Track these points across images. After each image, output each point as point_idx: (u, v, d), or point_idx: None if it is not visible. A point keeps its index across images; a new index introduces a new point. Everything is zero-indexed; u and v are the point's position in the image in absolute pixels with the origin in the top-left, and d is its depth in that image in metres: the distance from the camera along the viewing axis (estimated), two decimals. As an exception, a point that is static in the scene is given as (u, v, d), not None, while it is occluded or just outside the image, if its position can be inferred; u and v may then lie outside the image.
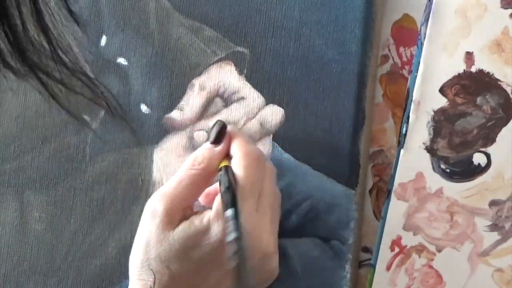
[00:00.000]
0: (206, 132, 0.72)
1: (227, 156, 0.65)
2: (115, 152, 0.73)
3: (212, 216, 0.62)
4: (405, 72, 0.74)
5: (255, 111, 0.73)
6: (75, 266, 0.73)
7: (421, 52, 0.71)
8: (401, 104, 0.73)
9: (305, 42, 0.72)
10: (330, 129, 0.72)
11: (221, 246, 0.61)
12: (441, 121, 0.71)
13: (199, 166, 0.64)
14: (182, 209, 0.63)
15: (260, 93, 0.73)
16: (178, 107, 0.73)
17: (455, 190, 0.71)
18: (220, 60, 0.73)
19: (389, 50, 0.74)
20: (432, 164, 0.71)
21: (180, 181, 0.64)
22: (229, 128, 0.66)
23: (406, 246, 0.72)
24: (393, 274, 0.72)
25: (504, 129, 0.71)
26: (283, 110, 0.72)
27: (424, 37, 0.71)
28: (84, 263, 0.73)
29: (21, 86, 0.72)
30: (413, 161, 0.71)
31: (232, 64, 0.73)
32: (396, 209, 0.71)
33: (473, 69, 0.70)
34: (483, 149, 0.71)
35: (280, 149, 0.72)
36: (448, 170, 0.71)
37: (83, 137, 0.73)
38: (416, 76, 0.71)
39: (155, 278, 0.62)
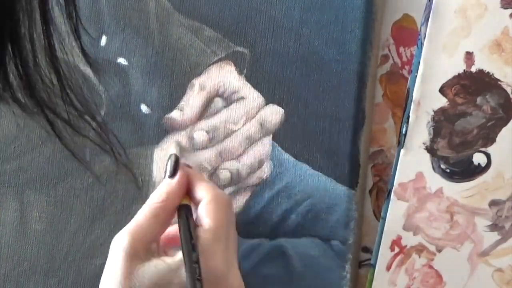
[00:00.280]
0: (207, 132, 0.72)
1: (188, 194, 0.66)
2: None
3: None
4: (405, 72, 0.74)
5: (255, 111, 0.73)
6: (75, 266, 0.73)
7: (421, 52, 0.71)
8: (401, 104, 0.73)
9: (305, 42, 0.72)
10: (330, 129, 0.72)
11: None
12: (441, 121, 0.71)
13: (159, 200, 0.65)
14: (146, 242, 0.64)
15: (260, 93, 0.73)
16: (178, 107, 0.73)
17: (455, 190, 0.71)
18: (220, 60, 0.73)
19: (389, 50, 0.74)
20: (432, 164, 0.71)
21: (143, 215, 0.65)
22: (187, 168, 0.67)
23: (406, 246, 0.72)
24: (393, 274, 0.72)
25: (504, 129, 0.71)
26: (283, 110, 0.72)
27: (424, 37, 0.71)
28: (84, 263, 0.73)
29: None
30: (413, 161, 0.71)
31: (232, 64, 0.73)
32: (396, 209, 0.71)
33: (473, 69, 0.70)
34: (483, 149, 0.71)
35: (280, 149, 0.72)
36: (448, 170, 0.71)
37: (83, 137, 0.73)
38: (416, 76, 0.71)
39: None
